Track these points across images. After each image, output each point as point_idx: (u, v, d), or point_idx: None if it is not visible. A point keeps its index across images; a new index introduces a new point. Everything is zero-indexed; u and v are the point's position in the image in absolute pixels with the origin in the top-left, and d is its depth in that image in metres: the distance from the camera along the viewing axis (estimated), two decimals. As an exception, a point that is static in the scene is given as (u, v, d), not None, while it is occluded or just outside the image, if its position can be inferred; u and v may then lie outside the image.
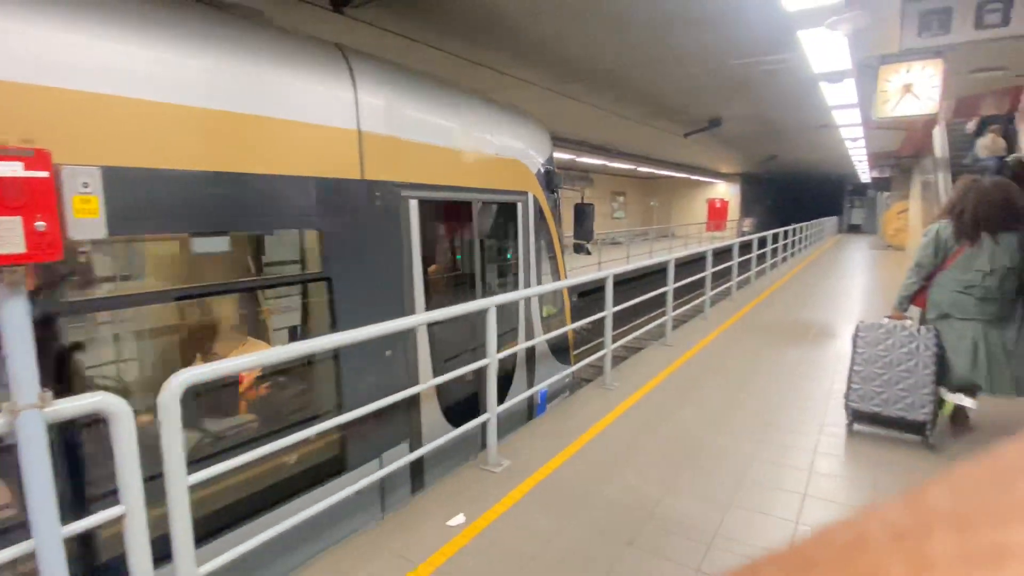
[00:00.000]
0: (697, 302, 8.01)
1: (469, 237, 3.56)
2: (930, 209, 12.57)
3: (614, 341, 5.21)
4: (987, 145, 10.86)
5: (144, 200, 1.83)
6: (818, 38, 5.25)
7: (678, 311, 6.98)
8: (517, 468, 3.18)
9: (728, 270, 10.22)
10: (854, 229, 33.90)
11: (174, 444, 1.56)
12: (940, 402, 3.37)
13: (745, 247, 15.50)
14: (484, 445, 3.27)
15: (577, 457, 3.37)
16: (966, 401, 3.35)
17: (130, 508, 1.50)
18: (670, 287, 6.26)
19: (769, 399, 4.40)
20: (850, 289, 10.63)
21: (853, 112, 9.21)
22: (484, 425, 3.17)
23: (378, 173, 2.70)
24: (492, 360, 3.01)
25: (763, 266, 12.50)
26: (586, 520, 2.66)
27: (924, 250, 3.45)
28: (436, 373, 3.09)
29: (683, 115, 10.88)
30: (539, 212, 4.20)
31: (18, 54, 1.56)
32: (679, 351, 5.83)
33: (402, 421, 2.97)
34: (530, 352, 4.18)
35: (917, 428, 3.38)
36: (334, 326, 2.51)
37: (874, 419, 3.51)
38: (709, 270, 7.81)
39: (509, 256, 4.01)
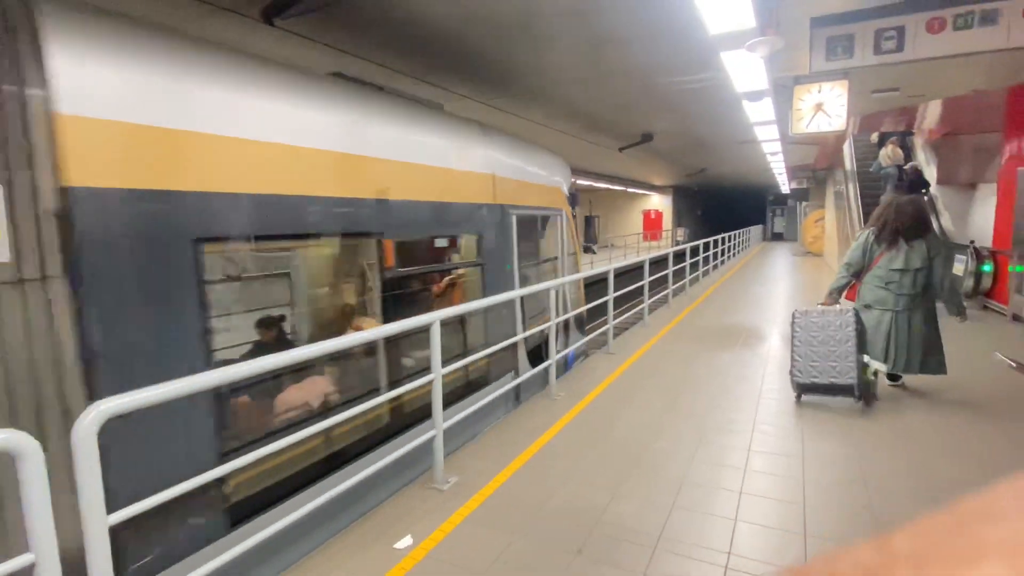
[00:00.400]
0: (636, 310, 8.22)
1: (538, 239, 5.36)
2: (843, 217, 13.53)
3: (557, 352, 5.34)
4: (888, 155, 12.01)
5: (418, 219, 3.51)
6: (739, 59, 5.56)
7: (619, 319, 7.13)
8: (465, 484, 3.14)
9: (665, 278, 10.54)
10: (777, 237, 35.92)
11: (91, 481, 1.43)
12: (865, 368, 4.12)
13: (679, 256, 16.05)
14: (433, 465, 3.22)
15: (525, 469, 3.36)
16: (881, 367, 4.21)
17: (41, 556, 1.36)
18: (610, 296, 6.40)
19: (706, 401, 4.56)
20: (775, 293, 11.24)
21: (772, 128, 9.78)
22: (431, 441, 3.07)
23: (501, 199, 4.45)
24: (436, 375, 2.98)
25: (696, 274, 13.02)
26: (535, 532, 2.66)
27: (854, 252, 4.28)
28: (524, 329, 4.73)
29: (616, 130, 11.23)
30: (567, 222, 6.00)
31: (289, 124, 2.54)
32: (621, 359, 5.95)
33: (512, 356, 4.74)
34: (566, 322, 5.82)
35: (847, 390, 4.10)
36: (485, 292, 4.19)
37: (814, 388, 4.20)
38: (647, 279, 8.05)
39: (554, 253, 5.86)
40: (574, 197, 6.31)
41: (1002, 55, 3.93)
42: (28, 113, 1.57)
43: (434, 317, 2.93)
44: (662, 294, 9.54)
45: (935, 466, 3.30)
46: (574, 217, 6.28)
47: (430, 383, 2.98)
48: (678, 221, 31.79)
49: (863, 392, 4.11)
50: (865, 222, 11.23)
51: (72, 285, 1.65)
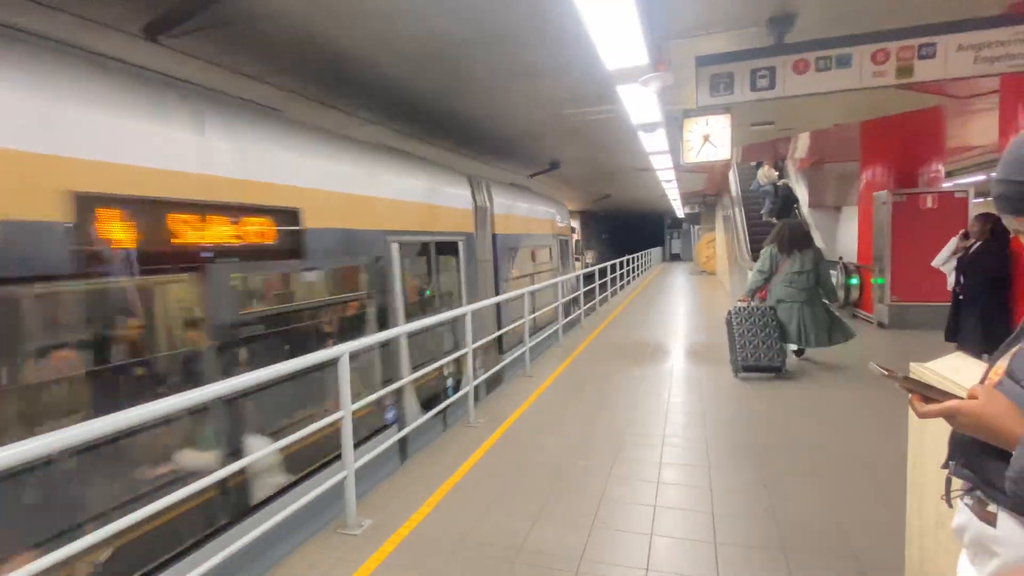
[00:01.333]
0: (551, 331, 8.33)
1: (549, 258, 8.82)
2: (732, 238, 14.59)
3: (476, 376, 5.30)
4: (766, 174, 13.39)
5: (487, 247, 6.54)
6: (634, 93, 5.87)
7: (535, 341, 7.19)
8: (380, 526, 2.94)
9: (578, 298, 10.78)
10: (675, 258, 38.14)
11: None
12: (784, 351, 5.71)
13: (588, 277, 16.54)
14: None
15: (444, 504, 3.22)
16: (794, 349, 6.31)
17: None
18: (527, 319, 6.43)
19: (619, 417, 4.65)
20: (676, 309, 11.85)
21: (666, 157, 10.40)
22: (341, 483, 2.87)
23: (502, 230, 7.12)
24: (346, 412, 2.81)
25: (605, 294, 13.47)
26: (456, 570, 2.54)
27: (764, 262, 6.00)
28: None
29: (526, 156, 11.48)
30: (566, 244, 9.39)
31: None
32: (538, 381, 5.97)
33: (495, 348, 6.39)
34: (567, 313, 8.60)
35: (775, 369, 5.68)
36: (498, 292, 6.76)
37: (753, 368, 5.71)
38: (560, 300, 8.19)
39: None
40: (567, 227, 9.37)
41: (857, 93, 4.43)
42: None
43: (343, 349, 2.76)
44: (575, 315, 9.73)
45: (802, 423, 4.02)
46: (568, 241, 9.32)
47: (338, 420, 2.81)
48: (587, 244, 32.94)
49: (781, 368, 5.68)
50: (750, 242, 12.22)
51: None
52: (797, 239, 5.87)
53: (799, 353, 6.34)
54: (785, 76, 4.30)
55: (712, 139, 6.32)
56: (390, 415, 4.34)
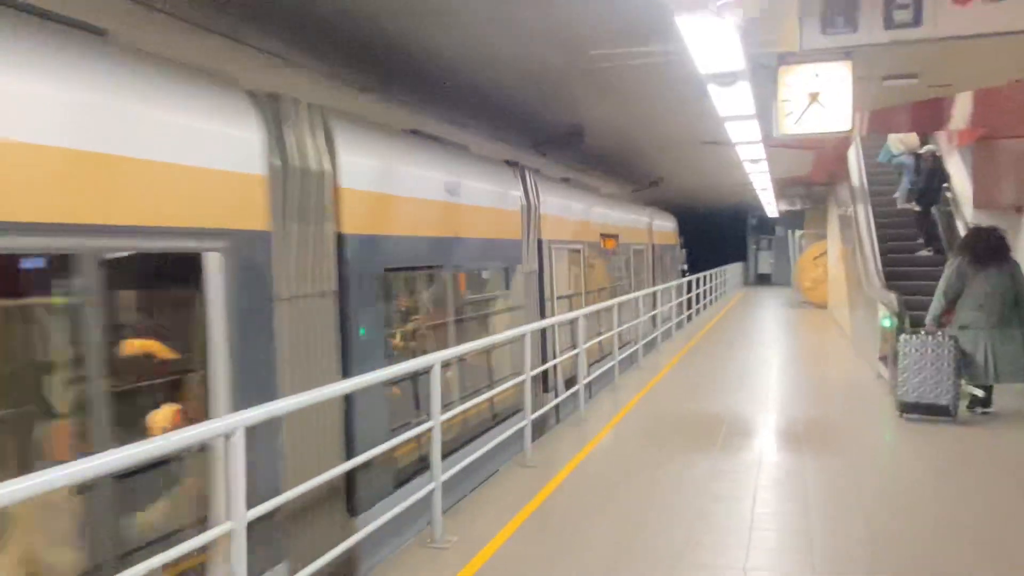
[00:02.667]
0: (567, 394, 8.31)
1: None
2: (853, 252, 14.68)
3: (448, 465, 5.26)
4: (901, 138, 13.27)
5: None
6: (702, 27, 5.95)
7: (538, 412, 7.16)
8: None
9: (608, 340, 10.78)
10: (763, 279, 38.46)
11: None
12: (958, 389, 6.82)
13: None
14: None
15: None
16: (979, 391, 7.41)
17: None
18: (527, 376, 6.41)
19: (675, 536, 4.63)
20: (764, 364, 11.87)
21: (750, 126, 10.49)
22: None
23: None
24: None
25: (654, 334, 13.51)
26: None
27: (951, 281, 7.11)
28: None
29: (534, 124, 11.60)
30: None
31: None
32: (544, 475, 5.96)
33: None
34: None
35: (944, 410, 7.00)
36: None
37: (916, 408, 7.06)
38: (582, 346, 8.18)
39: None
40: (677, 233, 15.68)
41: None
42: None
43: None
44: (604, 368, 9.75)
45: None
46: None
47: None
48: (624, 256, 33.19)
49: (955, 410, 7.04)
50: (883, 258, 12.26)
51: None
52: (993, 249, 7.00)
53: (983, 404, 7.45)
54: (938, 8, 4.38)
55: (823, 99, 6.40)
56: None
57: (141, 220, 3.53)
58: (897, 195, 13.69)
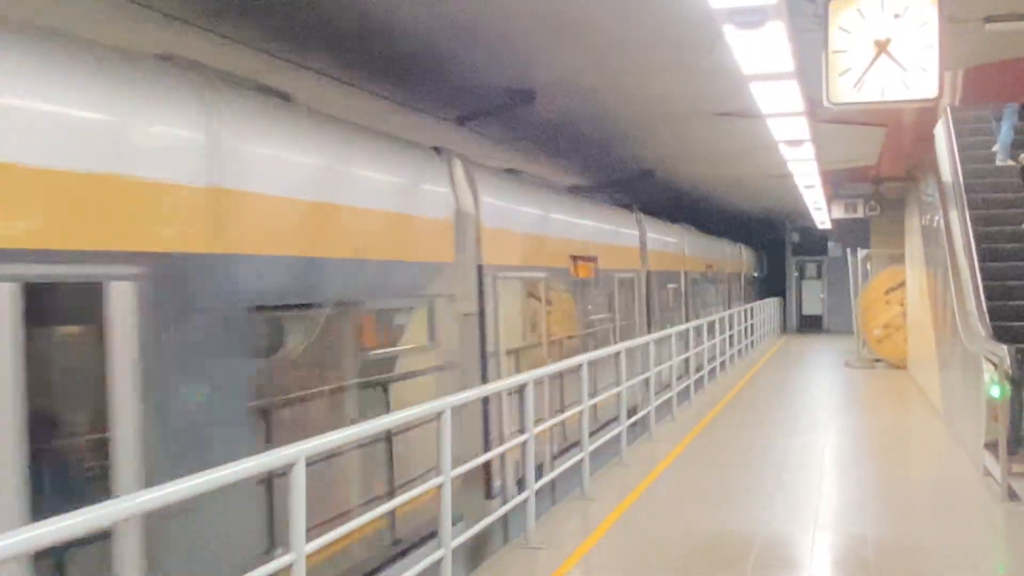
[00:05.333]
0: (515, 503, 8.18)
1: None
2: (942, 278, 14.85)
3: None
4: None
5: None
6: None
7: (462, 536, 7.01)
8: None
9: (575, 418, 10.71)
10: (811, 324, 39.03)
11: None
12: None
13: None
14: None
15: None
16: None
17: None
18: (445, 478, 6.28)
19: None
20: (817, 453, 11.91)
21: (787, 89, 10.60)
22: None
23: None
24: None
25: (646, 410, 13.47)
26: None
27: None
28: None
29: (458, 85, 11.55)
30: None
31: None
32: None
33: None
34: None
35: None
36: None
37: None
38: (530, 431, 8.06)
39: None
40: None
41: None
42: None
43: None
44: (567, 464, 9.65)
45: None
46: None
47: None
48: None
49: None
50: (987, 287, 12.42)
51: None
52: None
53: None
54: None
55: (896, 50, 6.49)
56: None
57: (385, 255, 7.70)
58: (996, 148, 14.09)
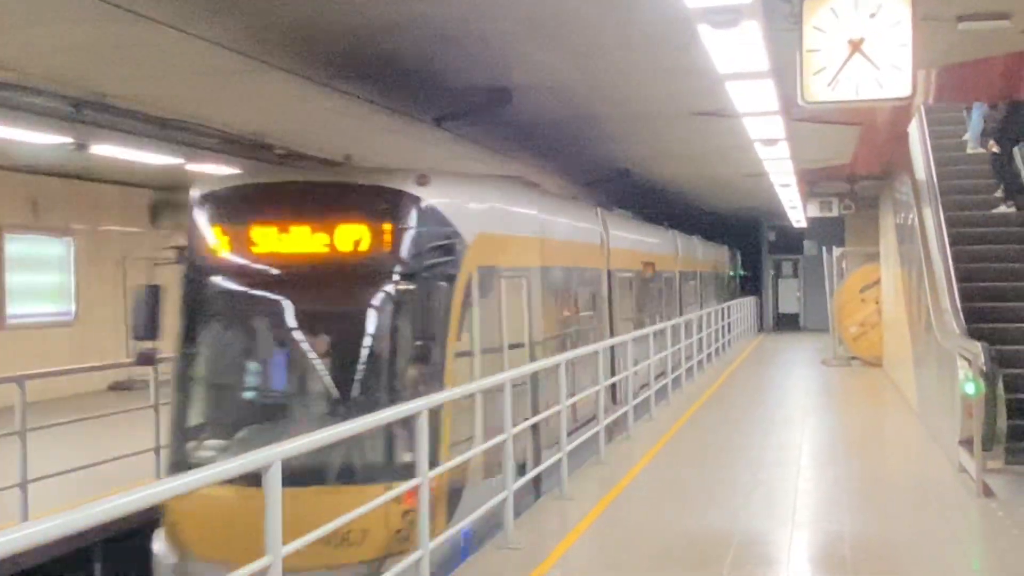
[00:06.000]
0: (489, 506, 8.17)
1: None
2: (915, 275, 14.88)
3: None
4: None
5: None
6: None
7: (443, 536, 7.00)
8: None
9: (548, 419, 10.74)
10: (788, 322, 39.20)
11: None
12: None
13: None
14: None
15: None
16: None
17: None
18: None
19: None
20: (793, 452, 11.99)
21: (762, 88, 10.60)
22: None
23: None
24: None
25: (624, 409, 13.47)
26: None
27: None
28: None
29: (432, 85, 11.50)
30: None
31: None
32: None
33: None
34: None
35: None
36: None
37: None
38: (509, 431, 8.05)
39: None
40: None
41: None
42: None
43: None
44: (549, 460, 9.63)
45: None
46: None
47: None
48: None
49: None
50: (960, 284, 12.44)
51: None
52: None
53: None
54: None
55: (869, 49, 6.50)
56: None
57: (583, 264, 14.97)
58: (967, 136, 14.35)
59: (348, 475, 8.17)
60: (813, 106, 6.99)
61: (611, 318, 16.24)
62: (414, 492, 6.47)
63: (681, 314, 22.92)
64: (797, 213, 27.88)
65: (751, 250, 40.29)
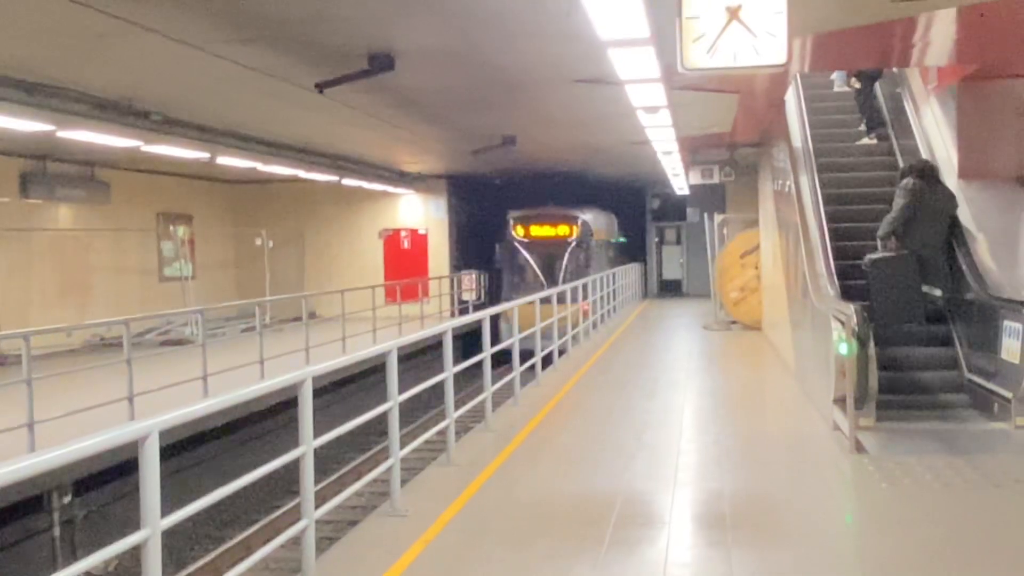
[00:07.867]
0: (372, 476, 8.13)
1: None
2: (794, 245, 15.20)
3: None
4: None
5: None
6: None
7: (324, 507, 6.97)
8: None
9: (431, 397, 10.72)
10: (672, 288, 39.81)
11: None
12: None
13: (470, 342, 16.45)
14: None
15: None
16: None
17: None
18: (306, 452, 6.26)
19: None
20: (676, 413, 12.21)
21: (644, 55, 10.66)
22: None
23: None
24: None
25: (510, 376, 13.55)
26: None
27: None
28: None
29: (314, 47, 11.34)
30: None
31: None
32: None
33: None
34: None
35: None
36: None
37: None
38: (393, 401, 8.05)
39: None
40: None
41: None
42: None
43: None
44: (422, 437, 9.64)
45: None
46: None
47: None
48: (462, 253, 33.02)
49: None
50: (835, 246, 12.77)
51: None
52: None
53: None
54: None
55: (747, 16, 6.58)
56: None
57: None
58: (834, 76, 15.57)
59: None
60: (692, 73, 7.04)
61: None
62: None
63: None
64: (680, 181, 28.14)
65: (636, 217, 40.53)
